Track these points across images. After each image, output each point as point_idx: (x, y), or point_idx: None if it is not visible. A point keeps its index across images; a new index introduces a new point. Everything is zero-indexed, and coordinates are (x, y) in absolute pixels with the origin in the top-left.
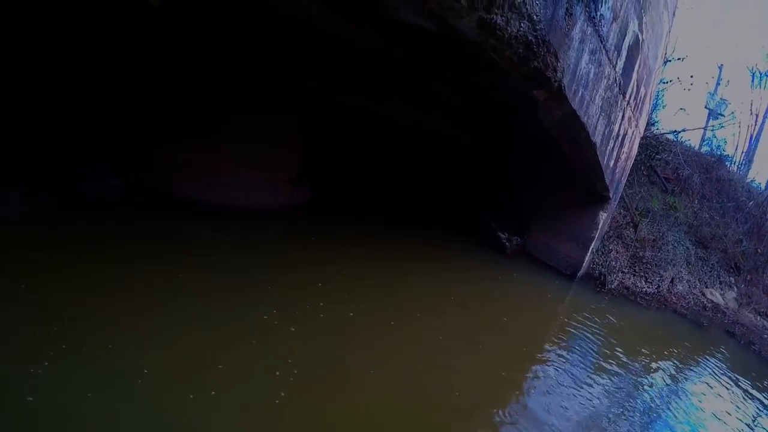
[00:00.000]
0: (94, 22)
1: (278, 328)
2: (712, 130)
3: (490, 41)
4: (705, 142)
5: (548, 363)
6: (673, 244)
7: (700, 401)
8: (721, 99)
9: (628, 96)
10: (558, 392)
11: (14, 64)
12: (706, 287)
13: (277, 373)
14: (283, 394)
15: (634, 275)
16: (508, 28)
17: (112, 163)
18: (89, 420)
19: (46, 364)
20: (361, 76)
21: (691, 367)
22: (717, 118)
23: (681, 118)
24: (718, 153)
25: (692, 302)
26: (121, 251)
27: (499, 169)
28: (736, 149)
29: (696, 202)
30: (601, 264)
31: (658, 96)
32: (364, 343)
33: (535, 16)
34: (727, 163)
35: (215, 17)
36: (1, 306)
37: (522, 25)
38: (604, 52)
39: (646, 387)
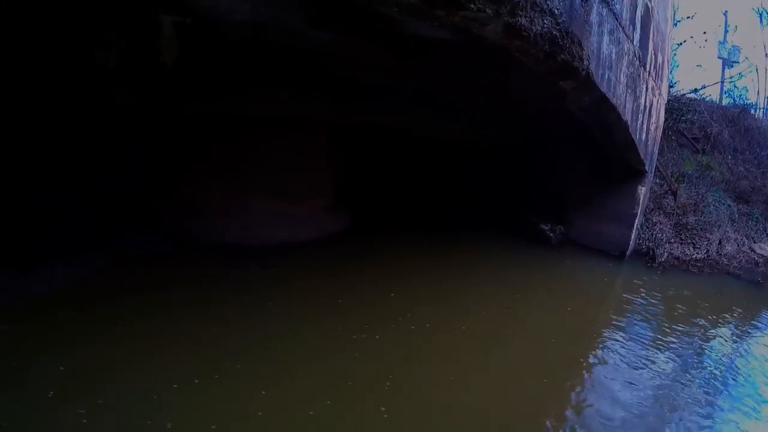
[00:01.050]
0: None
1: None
2: (731, 81)
3: (515, 43)
4: (726, 94)
5: (611, 340)
6: (714, 205)
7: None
8: (732, 46)
9: (648, 66)
10: (624, 366)
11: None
12: (755, 242)
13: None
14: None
15: (682, 243)
16: (533, 27)
17: (152, 219)
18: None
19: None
20: (376, 93)
21: (754, 327)
22: (732, 66)
23: (697, 75)
24: (741, 103)
25: (743, 260)
26: (190, 296)
27: (528, 165)
28: (758, 95)
29: (729, 157)
30: (648, 238)
31: (673, 57)
32: (447, 343)
33: (556, 10)
34: (753, 111)
35: (229, 62)
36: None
37: (545, 21)
38: (620, 29)
39: (710, 352)
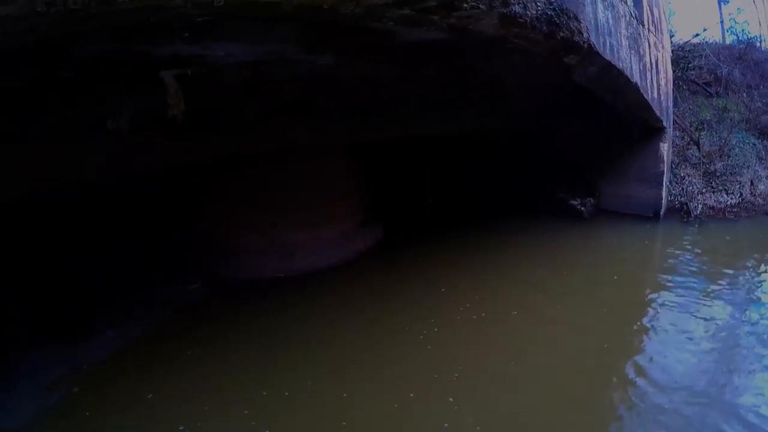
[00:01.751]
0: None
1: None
2: (731, 18)
3: (513, 30)
4: (728, 32)
5: (663, 299)
6: (738, 146)
7: None
8: None
9: (646, 23)
10: (680, 321)
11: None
12: None
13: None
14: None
15: (714, 192)
16: (528, 13)
17: (188, 267)
18: None
19: None
20: (387, 107)
21: None
22: (728, 2)
23: (696, 18)
24: (745, 38)
25: None
26: (251, 331)
27: (547, 144)
28: (760, 25)
29: (744, 95)
30: (679, 194)
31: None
32: (506, 320)
33: None
34: (758, 44)
35: (236, 104)
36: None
37: (538, 4)
38: None
39: (761, 295)
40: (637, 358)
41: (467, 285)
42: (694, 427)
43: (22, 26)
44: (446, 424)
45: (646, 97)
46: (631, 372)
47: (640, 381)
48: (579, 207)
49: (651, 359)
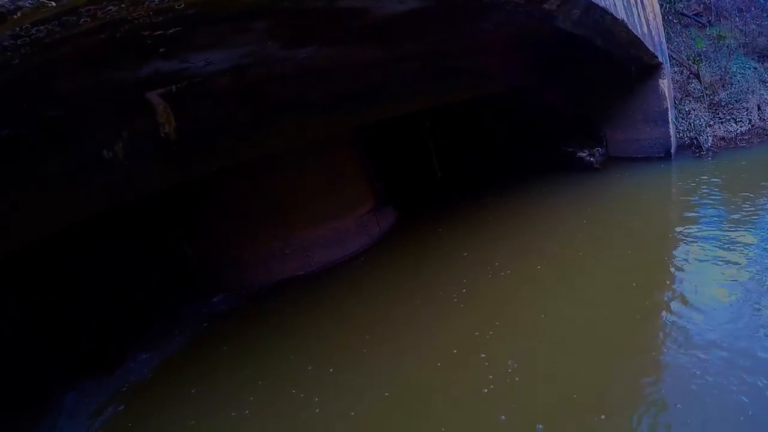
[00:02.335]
0: None
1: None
2: None
3: None
4: None
5: (688, 235)
6: (740, 73)
7: None
8: None
9: None
10: (708, 254)
11: None
12: None
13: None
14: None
15: (722, 122)
16: None
17: (211, 280)
18: None
19: None
20: (381, 89)
21: None
22: None
23: None
24: None
25: None
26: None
27: (548, 100)
28: None
29: (737, 20)
30: (687, 129)
31: None
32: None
33: None
34: None
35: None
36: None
37: None
38: None
39: None
40: (671, 294)
41: (488, 246)
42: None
43: None
44: (490, 376)
45: (636, 33)
46: (668, 309)
47: (677, 317)
48: (588, 158)
49: (685, 295)
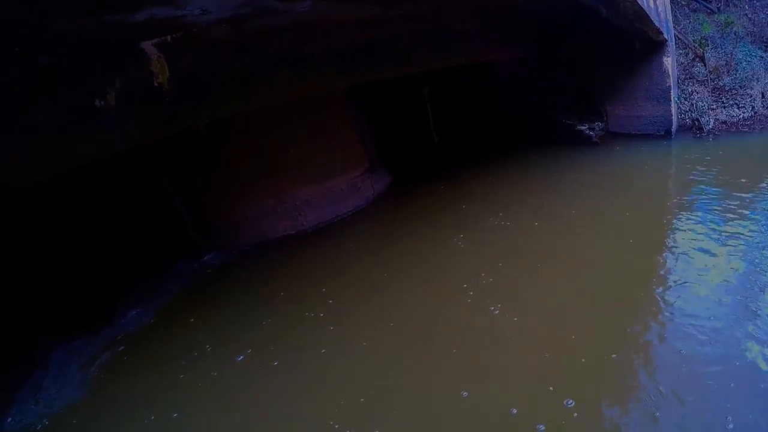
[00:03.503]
0: None
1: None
2: None
3: None
4: None
5: (684, 219)
6: (745, 60)
7: None
8: None
9: None
10: (703, 237)
11: None
12: None
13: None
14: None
15: (725, 107)
16: None
17: (203, 239)
18: None
19: None
20: (378, 48)
21: None
22: None
23: None
24: None
25: None
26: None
27: (550, 70)
28: None
29: (746, 7)
30: (689, 110)
31: None
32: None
33: None
34: None
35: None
36: None
37: None
38: None
39: None
40: (660, 268)
41: (486, 211)
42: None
43: None
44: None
45: (641, 5)
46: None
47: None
48: (588, 132)
49: (671, 274)
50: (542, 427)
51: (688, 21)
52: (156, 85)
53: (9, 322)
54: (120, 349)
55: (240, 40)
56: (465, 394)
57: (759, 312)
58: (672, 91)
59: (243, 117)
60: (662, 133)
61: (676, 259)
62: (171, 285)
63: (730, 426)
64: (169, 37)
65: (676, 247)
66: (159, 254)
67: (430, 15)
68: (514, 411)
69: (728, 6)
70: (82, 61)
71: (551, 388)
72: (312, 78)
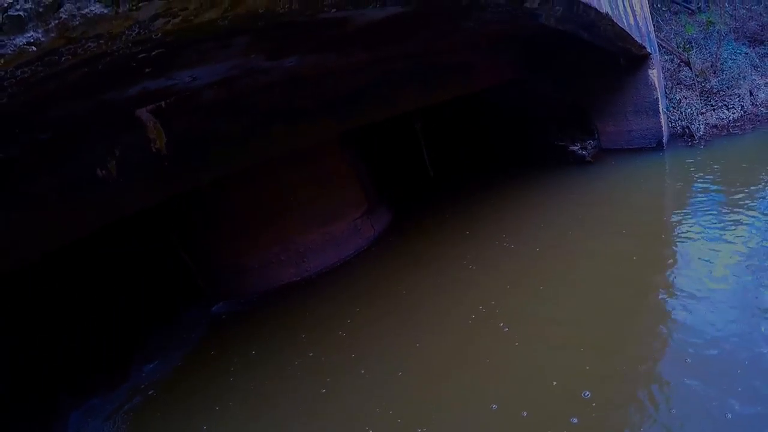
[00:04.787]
0: None
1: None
2: None
3: None
4: None
5: (682, 229)
6: (731, 59)
7: None
8: None
9: None
10: (702, 252)
11: None
12: None
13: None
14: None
15: (714, 110)
16: None
17: (211, 287)
18: None
19: None
20: (372, 89)
21: None
22: None
23: None
24: None
25: None
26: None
27: (538, 92)
28: None
29: (726, 4)
30: (679, 118)
31: None
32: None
33: None
34: None
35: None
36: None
37: None
38: None
39: None
40: (663, 276)
41: (487, 244)
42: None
43: None
44: (505, 329)
45: (621, 25)
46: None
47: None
48: (580, 151)
49: (674, 283)
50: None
51: (670, 25)
52: (154, 150)
53: (29, 378)
54: (137, 406)
55: (232, 98)
56: None
57: None
58: (660, 102)
59: (241, 169)
60: (654, 145)
61: (677, 274)
62: (184, 335)
63: None
64: (163, 103)
65: (675, 261)
66: (169, 302)
67: (416, 53)
68: None
69: (709, 5)
70: (81, 134)
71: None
72: (306, 129)
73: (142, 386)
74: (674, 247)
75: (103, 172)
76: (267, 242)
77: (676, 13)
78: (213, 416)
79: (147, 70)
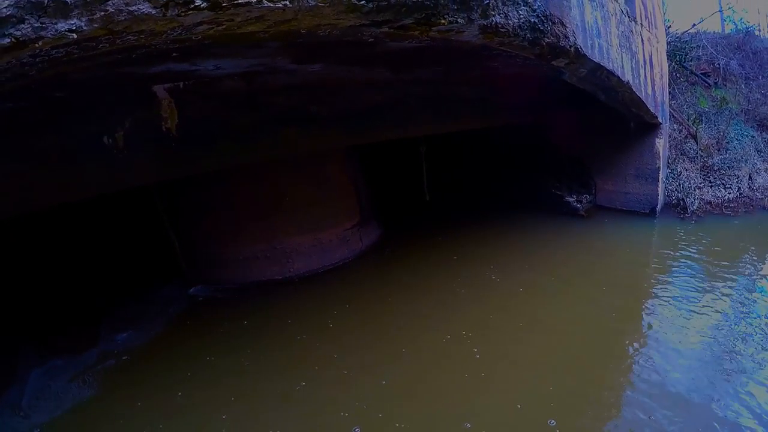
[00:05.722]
0: None
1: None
2: (730, 7)
3: (496, 39)
4: (727, 20)
5: (659, 296)
6: (737, 139)
7: None
8: None
9: (639, 18)
10: (677, 316)
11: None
12: None
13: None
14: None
15: (711, 186)
16: (509, 22)
17: (192, 273)
18: None
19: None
20: (383, 109)
21: None
22: None
23: (694, 7)
24: (744, 28)
25: None
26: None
27: (543, 139)
28: (759, 13)
29: (742, 86)
30: (676, 189)
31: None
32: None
33: None
34: (757, 32)
35: (231, 114)
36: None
37: (521, 12)
38: None
39: (759, 293)
40: (629, 347)
41: (466, 279)
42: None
43: (11, 74)
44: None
45: (639, 94)
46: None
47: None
48: (575, 204)
49: (641, 353)
50: None
51: (685, 95)
52: (164, 130)
53: None
54: (106, 370)
55: (250, 93)
56: None
57: None
58: (661, 172)
59: (247, 164)
60: (647, 211)
61: (649, 331)
62: (160, 310)
63: None
64: (181, 84)
65: (650, 318)
66: (145, 278)
67: (436, 80)
68: None
69: (726, 82)
70: (95, 99)
71: None
72: (317, 136)
73: (115, 352)
74: (650, 305)
75: (110, 141)
76: (255, 238)
77: (692, 84)
78: (188, 384)
79: (174, 54)
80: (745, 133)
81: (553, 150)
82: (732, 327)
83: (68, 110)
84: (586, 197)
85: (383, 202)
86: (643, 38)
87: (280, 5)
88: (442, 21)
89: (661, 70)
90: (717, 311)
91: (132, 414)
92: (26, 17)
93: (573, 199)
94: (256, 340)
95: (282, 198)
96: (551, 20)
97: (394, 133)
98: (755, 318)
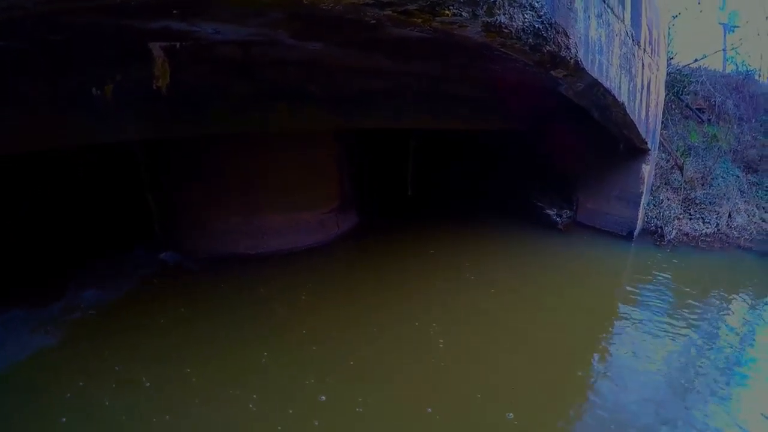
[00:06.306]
0: None
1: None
2: (733, 49)
3: (497, 39)
4: (729, 60)
5: (625, 319)
6: (722, 177)
7: None
8: (731, 11)
9: (643, 44)
10: (640, 345)
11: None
12: (766, 212)
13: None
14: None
15: (690, 219)
16: (513, 24)
17: (165, 238)
18: None
19: None
20: (377, 98)
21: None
22: (733, 31)
23: (699, 44)
24: (744, 70)
25: (754, 232)
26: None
27: (533, 149)
28: (761, 58)
29: (735, 126)
30: (656, 216)
31: (669, 30)
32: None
33: (536, 3)
34: (757, 77)
35: (224, 82)
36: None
37: (526, 16)
38: (609, 11)
39: (725, 328)
40: (590, 370)
41: (439, 272)
42: None
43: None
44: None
45: (632, 117)
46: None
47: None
48: (555, 217)
49: (601, 375)
50: None
51: (677, 127)
52: (155, 87)
53: None
54: (70, 323)
55: (247, 63)
56: None
57: None
58: (643, 197)
59: (234, 134)
60: (624, 234)
61: (613, 349)
62: (129, 271)
63: None
64: (178, 44)
65: (614, 336)
66: (116, 238)
67: (434, 75)
68: None
69: (719, 120)
70: (90, 49)
71: None
72: (309, 115)
73: (81, 305)
74: (616, 324)
75: (98, 92)
76: (232, 211)
77: (686, 117)
78: (155, 338)
79: (175, 11)
80: (731, 172)
81: (541, 161)
82: (692, 356)
83: (61, 57)
84: (566, 212)
85: (366, 192)
86: (644, 63)
87: None
88: (447, 12)
89: (658, 97)
90: (678, 347)
91: (97, 363)
92: None
93: (553, 213)
94: (227, 307)
95: (265, 175)
96: (555, 29)
97: (385, 123)
98: (717, 351)
